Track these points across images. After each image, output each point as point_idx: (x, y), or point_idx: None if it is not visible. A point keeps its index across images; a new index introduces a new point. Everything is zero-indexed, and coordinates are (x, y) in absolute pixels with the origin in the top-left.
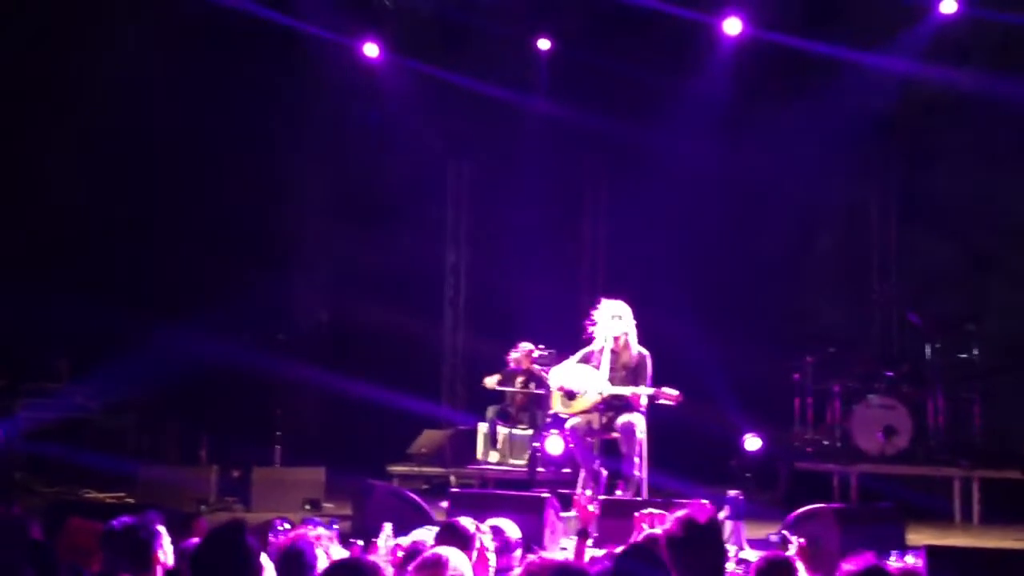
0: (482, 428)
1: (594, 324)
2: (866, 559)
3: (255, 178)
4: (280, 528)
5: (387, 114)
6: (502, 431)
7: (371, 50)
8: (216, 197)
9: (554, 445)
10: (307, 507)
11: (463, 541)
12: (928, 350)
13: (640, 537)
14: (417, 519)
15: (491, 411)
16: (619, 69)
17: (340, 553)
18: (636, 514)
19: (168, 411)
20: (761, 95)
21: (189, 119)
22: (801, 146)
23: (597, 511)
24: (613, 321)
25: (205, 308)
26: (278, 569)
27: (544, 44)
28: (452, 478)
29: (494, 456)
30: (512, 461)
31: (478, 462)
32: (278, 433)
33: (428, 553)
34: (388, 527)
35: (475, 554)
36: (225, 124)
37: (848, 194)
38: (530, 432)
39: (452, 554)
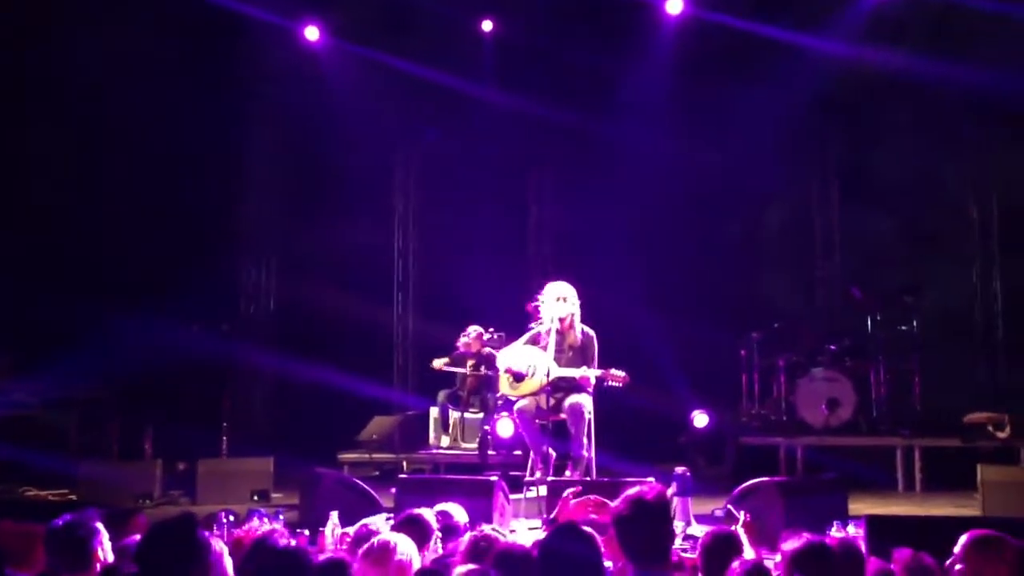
0: (433, 412)
1: (540, 306)
2: (806, 537)
3: (201, 164)
4: (225, 521)
5: (333, 99)
6: (453, 415)
7: (312, 33)
8: (161, 183)
9: (504, 428)
10: (255, 498)
11: (422, 533)
12: (869, 323)
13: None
14: (365, 507)
15: (442, 395)
16: (565, 52)
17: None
18: (564, 495)
19: (111, 405)
20: (705, 77)
21: (134, 105)
22: (745, 127)
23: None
24: (558, 303)
25: (150, 297)
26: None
27: (488, 26)
28: (404, 464)
29: (445, 440)
30: (464, 445)
31: (429, 447)
32: (225, 424)
33: (376, 540)
34: (335, 516)
35: (432, 544)
36: (171, 110)
37: (792, 174)
38: (481, 415)
39: (400, 540)
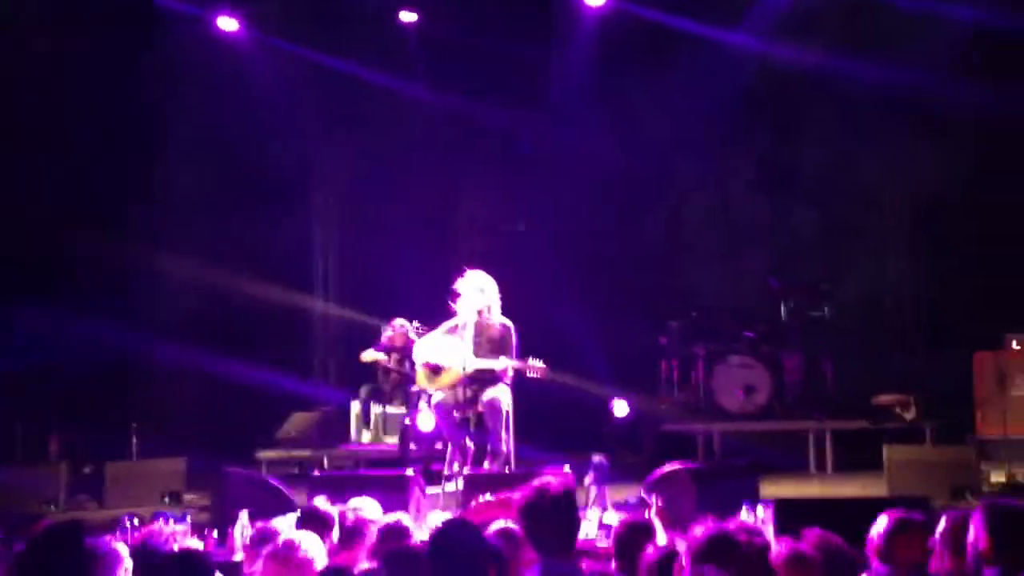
0: (355, 407)
1: (457, 297)
2: (711, 526)
3: (113, 156)
4: (128, 524)
5: (252, 90)
6: (375, 410)
7: (228, 24)
8: (72, 176)
9: (425, 421)
10: (166, 500)
11: (322, 525)
12: (784, 311)
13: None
14: (277, 505)
15: (364, 390)
16: (487, 45)
17: (196, 545)
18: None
19: (14, 407)
20: (627, 70)
21: (44, 96)
22: (667, 120)
23: None
24: (476, 294)
25: (57, 293)
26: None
27: (408, 17)
28: (325, 460)
29: (367, 435)
30: (387, 440)
31: (351, 442)
32: (134, 424)
33: (280, 540)
34: (244, 515)
35: (335, 536)
36: (83, 101)
37: (713, 166)
38: (404, 410)
39: (304, 539)
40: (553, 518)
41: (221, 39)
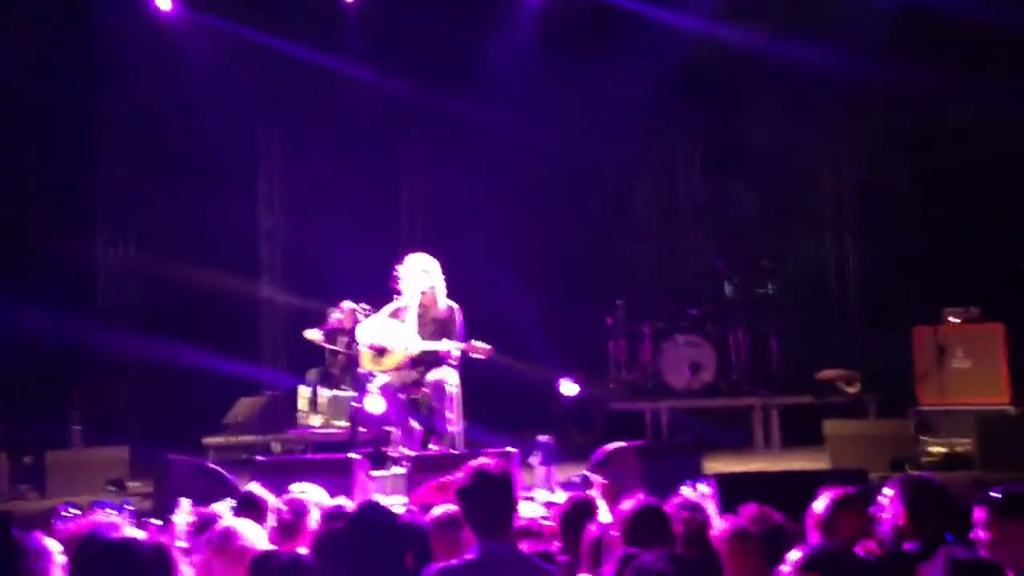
0: (303, 391)
1: (401, 279)
2: (641, 499)
3: (49, 141)
4: (65, 514)
5: (192, 71)
6: (324, 393)
7: (163, 3)
8: (11, 163)
9: (374, 404)
10: (110, 488)
11: (258, 510)
12: (729, 289)
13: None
14: (221, 492)
15: (312, 373)
16: (428, 25)
17: (136, 534)
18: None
19: None
20: (570, 51)
21: None
22: (610, 101)
23: None
24: (420, 275)
25: None
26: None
27: None
28: (276, 445)
29: (316, 419)
30: (336, 423)
31: (299, 426)
32: (76, 412)
33: (218, 527)
34: (186, 503)
35: (271, 521)
36: (17, 83)
37: (657, 146)
38: (354, 393)
39: (243, 526)
40: (490, 500)
41: (157, 20)
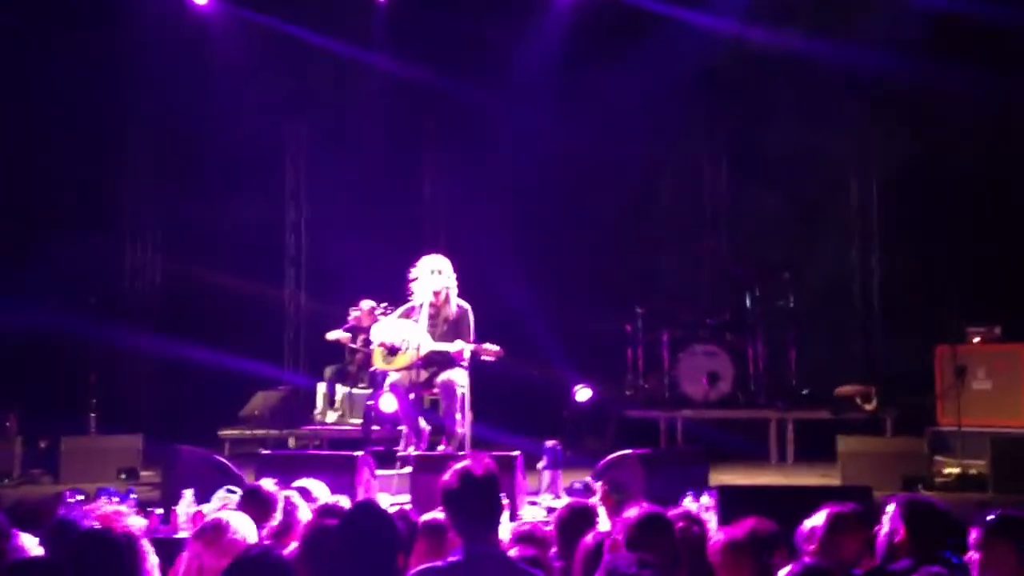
0: (320, 388)
1: (414, 279)
2: (645, 507)
3: (75, 135)
4: (71, 500)
5: (218, 66)
6: (341, 390)
7: None
8: (38, 155)
9: (388, 403)
10: (122, 476)
11: (264, 505)
12: (748, 299)
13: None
14: (226, 484)
15: (329, 370)
16: (457, 26)
17: (138, 523)
18: None
19: None
20: (596, 51)
21: (4, 78)
22: (635, 102)
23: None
24: (433, 276)
25: (18, 271)
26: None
27: None
28: (291, 440)
29: (332, 416)
30: (352, 420)
31: (315, 422)
32: (93, 401)
33: (209, 518)
34: (188, 494)
35: (278, 516)
36: (46, 80)
37: (681, 149)
38: (370, 391)
39: (234, 518)
40: (474, 502)
41: (183, 14)
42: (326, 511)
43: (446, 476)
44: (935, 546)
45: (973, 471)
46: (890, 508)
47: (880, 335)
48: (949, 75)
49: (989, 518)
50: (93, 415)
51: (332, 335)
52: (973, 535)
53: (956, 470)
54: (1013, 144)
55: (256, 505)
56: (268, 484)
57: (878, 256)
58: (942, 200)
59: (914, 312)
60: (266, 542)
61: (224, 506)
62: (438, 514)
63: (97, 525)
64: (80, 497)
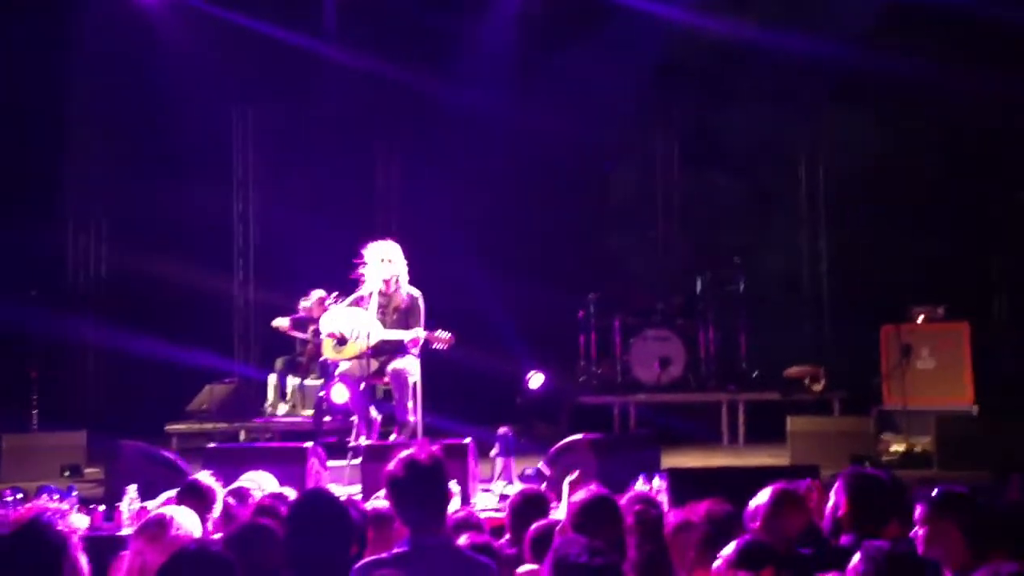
0: (271, 380)
1: (363, 267)
2: (593, 490)
3: (22, 124)
4: (9, 499)
5: (165, 53)
6: (292, 382)
7: None
8: None
9: (339, 393)
10: (66, 474)
11: (203, 498)
12: (699, 284)
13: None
14: (172, 479)
15: (280, 362)
16: (410, 14)
17: (81, 520)
18: None
19: None
20: (551, 40)
21: None
22: (590, 90)
23: None
24: (383, 264)
25: None
26: None
27: None
28: (241, 433)
29: (283, 408)
30: (304, 412)
31: (265, 415)
32: (35, 396)
33: (151, 514)
34: (132, 489)
35: (218, 509)
36: None
37: (636, 137)
38: (322, 382)
39: (178, 513)
40: (420, 491)
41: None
42: (263, 510)
43: (391, 465)
44: (877, 520)
45: (918, 448)
46: (835, 484)
47: (828, 318)
48: (900, 65)
49: (933, 494)
50: (35, 411)
51: (277, 322)
52: (918, 511)
53: (901, 448)
54: (958, 132)
55: (195, 499)
56: (205, 477)
57: (826, 241)
58: (889, 186)
59: (861, 295)
60: (215, 536)
61: (168, 502)
62: (382, 503)
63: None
64: (19, 496)
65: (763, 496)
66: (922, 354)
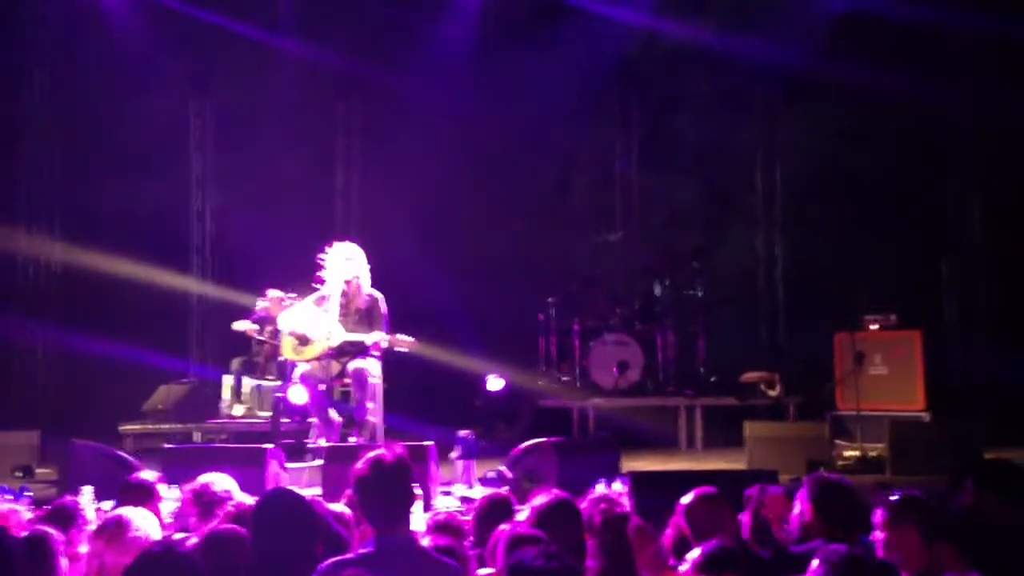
0: (227, 380)
1: (324, 268)
2: (554, 493)
3: None
4: None
5: (118, 45)
6: (248, 382)
7: None
8: None
9: (297, 394)
10: (18, 474)
11: (144, 495)
12: (657, 288)
13: None
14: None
15: (236, 363)
16: (371, 10)
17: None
18: None
19: None
20: (510, 40)
21: None
22: (548, 91)
23: None
24: (344, 264)
25: None
26: None
27: None
28: (196, 434)
29: (240, 409)
30: (260, 413)
31: (222, 416)
32: None
33: (109, 515)
34: (88, 490)
35: (164, 507)
36: None
37: (594, 139)
38: (279, 383)
39: (135, 515)
40: (385, 492)
41: None
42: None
43: (358, 464)
44: (844, 525)
45: (872, 454)
46: (799, 490)
47: (784, 323)
48: (857, 70)
49: (893, 499)
50: None
51: (238, 325)
52: (878, 515)
53: (856, 453)
54: (914, 138)
55: (137, 497)
56: (147, 474)
57: (782, 246)
58: (845, 191)
59: (816, 300)
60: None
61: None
62: (343, 507)
63: None
64: None
65: (687, 497)
66: (875, 361)
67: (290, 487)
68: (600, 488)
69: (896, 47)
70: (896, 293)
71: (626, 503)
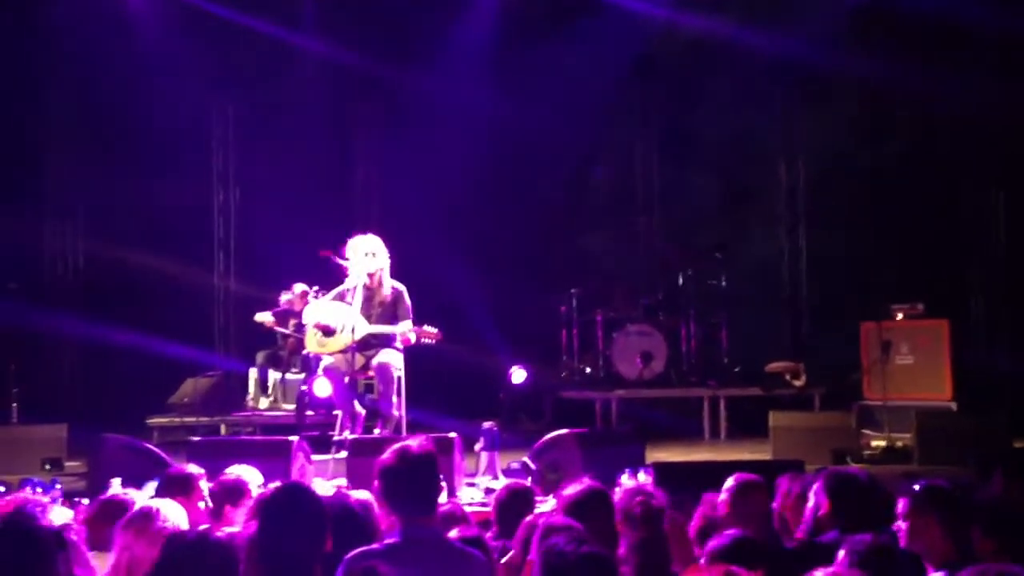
0: (252, 373)
1: (347, 261)
2: (587, 483)
3: None
4: None
5: (144, 45)
6: (273, 375)
7: None
8: None
9: (322, 387)
10: (47, 467)
11: (185, 489)
12: (680, 279)
13: None
14: (155, 472)
15: (261, 356)
16: (390, 8)
17: (64, 514)
18: None
19: None
20: (530, 34)
21: None
22: (568, 86)
23: None
24: (366, 258)
25: None
26: None
27: None
28: (222, 427)
29: (265, 402)
30: (285, 406)
31: (247, 409)
32: (15, 390)
33: (137, 507)
34: (116, 483)
35: (203, 503)
36: None
37: (614, 133)
38: (303, 376)
39: (164, 505)
40: (412, 481)
41: None
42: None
43: (385, 455)
44: (858, 518)
45: (899, 443)
46: (814, 483)
47: (808, 313)
48: (878, 63)
49: (916, 488)
50: (15, 404)
51: (260, 316)
52: (901, 505)
53: (882, 443)
54: (937, 131)
55: (178, 490)
56: (192, 468)
57: (805, 237)
58: (868, 183)
59: (840, 291)
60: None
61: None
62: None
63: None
64: (1, 489)
65: (728, 482)
66: (902, 350)
67: (312, 480)
68: (626, 479)
69: (918, 40)
70: (920, 285)
71: (661, 496)
